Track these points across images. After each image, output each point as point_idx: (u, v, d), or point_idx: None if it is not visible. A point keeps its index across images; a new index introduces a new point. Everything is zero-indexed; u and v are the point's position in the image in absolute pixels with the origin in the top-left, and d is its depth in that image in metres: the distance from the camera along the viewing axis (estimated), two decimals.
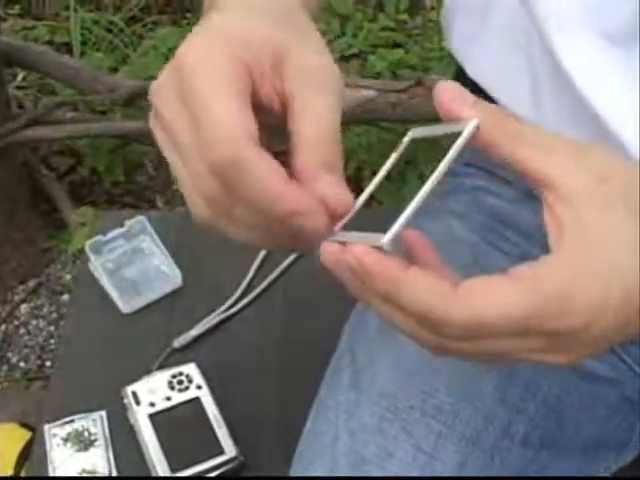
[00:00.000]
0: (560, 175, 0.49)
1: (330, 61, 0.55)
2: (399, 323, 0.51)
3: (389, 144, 2.13)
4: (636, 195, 0.49)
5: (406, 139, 0.55)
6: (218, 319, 1.10)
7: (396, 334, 0.80)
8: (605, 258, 0.48)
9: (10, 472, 1.38)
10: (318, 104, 0.52)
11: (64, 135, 2.13)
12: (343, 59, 2.31)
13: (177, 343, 1.07)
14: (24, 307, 2.14)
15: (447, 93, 0.51)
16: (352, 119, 2.00)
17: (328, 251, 0.51)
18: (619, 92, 0.72)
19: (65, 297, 2.14)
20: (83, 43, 2.60)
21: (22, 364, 2.04)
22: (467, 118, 0.50)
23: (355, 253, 0.48)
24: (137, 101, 2.05)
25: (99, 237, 1.15)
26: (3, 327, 2.10)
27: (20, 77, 2.54)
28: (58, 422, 1.03)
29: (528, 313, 0.47)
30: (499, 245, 0.86)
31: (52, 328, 2.10)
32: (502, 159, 0.51)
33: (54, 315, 2.12)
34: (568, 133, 0.78)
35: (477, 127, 0.50)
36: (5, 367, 2.03)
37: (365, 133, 2.15)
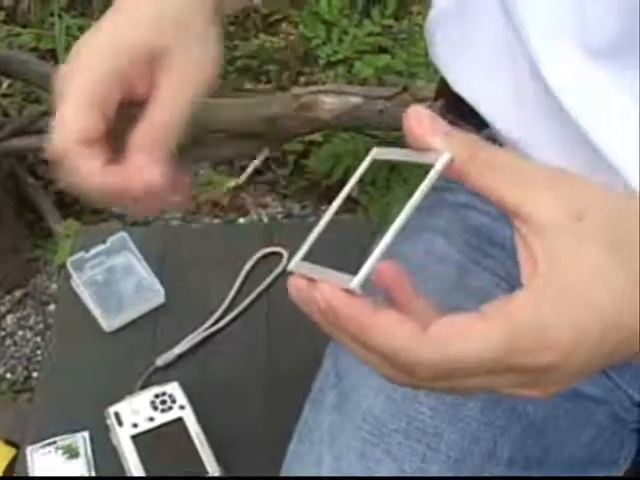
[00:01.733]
0: (535, 209, 0.48)
1: (198, 59, 0.67)
2: (371, 363, 0.50)
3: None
4: (613, 231, 0.48)
5: (368, 159, 0.53)
6: (201, 337, 1.09)
7: None
8: (578, 295, 0.47)
9: None
10: (166, 96, 0.65)
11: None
12: (329, 65, 2.30)
13: (160, 361, 1.06)
14: (10, 318, 2.12)
15: (419, 120, 0.49)
16: (339, 126, 2.00)
17: (296, 287, 0.50)
18: (602, 107, 0.71)
19: (52, 307, 2.13)
20: (68, 49, 2.58)
21: (9, 375, 2.02)
22: (438, 150, 0.49)
23: (324, 294, 0.47)
24: None
25: (81, 254, 1.14)
26: None
27: (5, 85, 2.53)
28: (40, 443, 1.02)
29: (498, 353, 0.46)
30: (484, 263, 0.85)
31: (39, 339, 2.08)
32: (474, 189, 0.50)
33: (40, 326, 2.11)
34: (552, 147, 0.78)
35: (450, 161, 0.48)
36: None
37: (352, 139, 2.14)
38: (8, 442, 1.46)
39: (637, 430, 0.84)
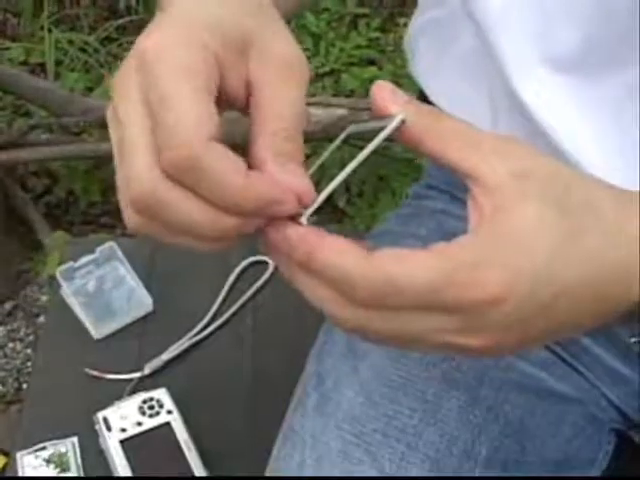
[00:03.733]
0: (484, 169, 0.51)
1: (298, 50, 0.55)
2: (319, 295, 0.51)
3: (360, 162, 2.14)
4: (555, 190, 0.51)
5: (343, 134, 0.57)
6: (188, 344, 1.11)
7: (362, 358, 0.82)
8: (515, 241, 0.49)
9: None
10: (283, 96, 0.53)
11: (39, 157, 2.14)
12: (317, 77, 2.33)
13: (148, 368, 1.08)
14: (0, 330, 2.13)
15: (381, 92, 0.53)
16: (325, 137, 2.02)
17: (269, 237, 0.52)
18: (572, 120, 0.73)
19: (42, 319, 2.14)
20: (58, 63, 2.60)
21: None
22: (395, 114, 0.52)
23: (277, 226, 0.51)
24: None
25: (70, 264, 1.16)
26: None
27: None
28: (30, 449, 1.03)
29: (433, 281, 0.48)
30: None
31: (29, 351, 2.10)
32: (430, 154, 0.53)
33: (31, 337, 2.12)
34: None
35: (402, 121, 0.52)
36: None
37: (338, 150, 2.16)
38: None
39: (614, 430, 0.86)
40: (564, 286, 0.50)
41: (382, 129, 0.52)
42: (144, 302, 1.14)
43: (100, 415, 1.02)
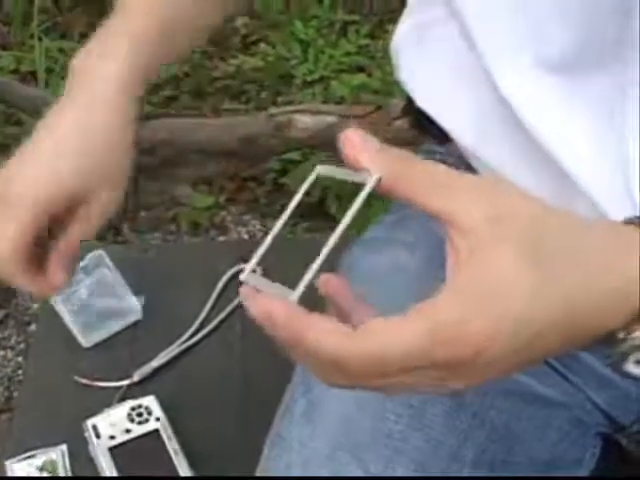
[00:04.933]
0: (459, 212, 0.51)
1: (115, 197, 0.82)
2: (309, 365, 0.53)
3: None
4: (530, 234, 0.51)
5: (312, 176, 0.56)
6: (177, 351, 1.11)
7: None
8: (493, 291, 0.50)
9: None
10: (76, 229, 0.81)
11: None
12: (306, 84, 2.34)
13: (137, 375, 1.08)
14: None
15: (351, 141, 0.53)
16: (314, 144, 2.03)
17: (244, 295, 0.54)
18: (561, 122, 0.74)
19: (33, 327, 2.14)
20: (49, 72, 2.60)
21: None
22: (370, 169, 0.51)
23: (263, 303, 0.51)
24: None
25: None
26: None
27: None
28: (19, 457, 1.03)
29: (421, 343, 0.49)
30: (442, 276, 0.87)
31: (20, 359, 2.10)
32: (404, 201, 0.53)
33: (22, 346, 2.12)
34: (512, 162, 0.80)
35: (378, 180, 0.51)
36: None
37: (328, 159, 2.17)
38: None
39: (601, 434, 0.86)
40: (544, 326, 0.51)
41: (354, 182, 0.52)
42: (133, 309, 1.15)
43: (89, 422, 1.02)
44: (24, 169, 0.79)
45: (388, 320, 0.50)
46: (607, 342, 0.56)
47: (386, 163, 0.52)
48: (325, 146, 2.06)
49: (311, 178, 0.56)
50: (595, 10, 0.68)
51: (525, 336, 0.51)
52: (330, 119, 1.97)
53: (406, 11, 0.92)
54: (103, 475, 0.98)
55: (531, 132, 0.75)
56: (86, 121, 0.81)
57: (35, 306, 2.18)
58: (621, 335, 0.55)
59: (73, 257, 0.83)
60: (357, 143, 0.52)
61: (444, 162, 0.94)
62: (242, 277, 0.56)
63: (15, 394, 2.02)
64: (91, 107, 0.81)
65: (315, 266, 0.51)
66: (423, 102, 0.88)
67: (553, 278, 0.51)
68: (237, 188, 2.35)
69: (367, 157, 0.52)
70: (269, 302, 0.51)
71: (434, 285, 0.76)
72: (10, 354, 2.11)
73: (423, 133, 0.97)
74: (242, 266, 1.20)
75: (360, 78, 2.27)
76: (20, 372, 2.07)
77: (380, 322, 0.50)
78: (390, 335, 0.49)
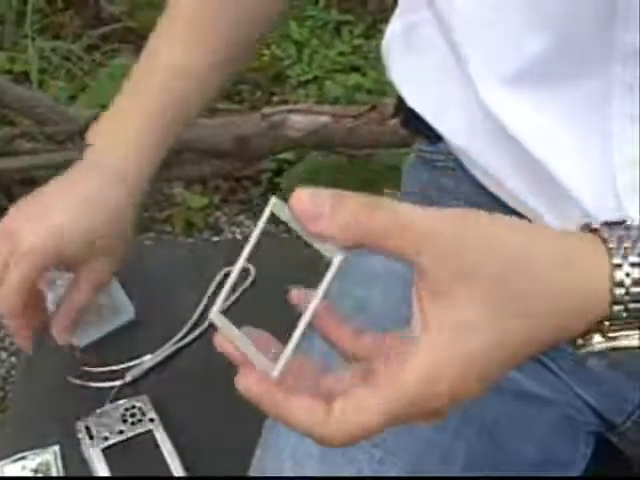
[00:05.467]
0: (425, 269, 0.52)
1: (108, 266, 0.98)
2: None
3: (345, 169, 2.15)
4: (497, 293, 0.52)
5: (267, 210, 0.54)
6: (170, 351, 1.11)
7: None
8: (456, 344, 0.52)
9: None
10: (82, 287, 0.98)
11: (23, 166, 2.14)
12: (300, 84, 2.34)
13: (130, 376, 1.08)
14: None
15: (302, 205, 0.51)
16: (308, 144, 2.03)
17: (222, 348, 0.58)
18: (544, 128, 0.74)
19: None
20: (42, 72, 2.60)
21: None
22: (332, 245, 0.51)
23: (248, 382, 0.55)
24: None
25: (52, 272, 1.16)
26: None
27: None
28: (10, 459, 1.03)
29: (395, 413, 0.53)
30: None
31: (14, 359, 2.09)
32: (369, 250, 0.53)
33: (15, 346, 2.11)
34: (500, 163, 0.80)
35: (344, 260, 0.50)
36: None
37: (323, 158, 2.17)
38: None
39: (593, 433, 0.86)
40: (513, 355, 0.54)
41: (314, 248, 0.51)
42: (125, 310, 1.14)
43: (82, 424, 1.02)
44: (34, 225, 0.91)
45: (356, 398, 0.52)
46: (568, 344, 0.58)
47: (344, 228, 0.50)
48: (320, 146, 2.06)
49: (267, 212, 0.54)
50: (574, 18, 0.68)
51: (494, 368, 0.54)
52: (324, 119, 1.97)
53: (396, 12, 0.92)
54: (96, 475, 0.98)
55: (515, 138, 0.75)
56: (97, 194, 0.93)
57: None
58: (580, 342, 0.57)
59: (73, 320, 0.98)
60: (308, 209, 0.50)
61: (435, 161, 0.95)
62: (211, 316, 0.58)
63: (10, 395, 2.02)
64: (103, 180, 0.93)
65: (294, 340, 0.53)
66: (413, 102, 0.89)
67: (516, 314, 0.53)
68: (231, 188, 2.35)
69: (324, 226, 0.50)
70: (249, 377, 0.55)
71: None
72: (4, 354, 2.11)
73: (414, 133, 0.97)
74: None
75: (354, 78, 2.27)
76: (14, 372, 2.06)
77: (353, 400, 0.52)
78: (363, 415, 0.52)
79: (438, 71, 0.85)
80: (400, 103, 0.93)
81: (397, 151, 2.17)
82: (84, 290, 0.97)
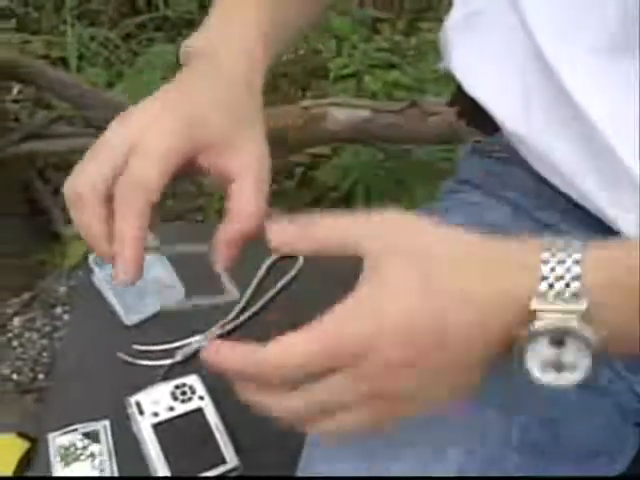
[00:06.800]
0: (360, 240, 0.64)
1: (262, 149, 0.76)
2: (258, 400, 0.70)
3: (382, 163, 2.16)
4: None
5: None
6: (219, 332, 1.11)
7: None
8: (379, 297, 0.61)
9: None
10: (246, 189, 0.74)
11: (61, 149, 2.14)
12: (339, 79, 2.34)
13: (180, 355, 1.09)
14: (17, 320, 2.14)
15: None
16: (347, 138, 2.03)
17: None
18: (617, 105, 0.74)
19: (59, 310, 2.15)
20: (79, 58, 2.61)
21: (15, 376, 2.04)
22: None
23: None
24: None
25: None
26: None
27: (15, 91, 2.55)
28: (60, 431, 1.04)
29: (318, 338, 0.62)
30: None
31: (45, 341, 2.10)
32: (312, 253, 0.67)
33: (47, 328, 2.13)
34: (561, 147, 0.80)
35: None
36: None
37: (359, 152, 2.17)
38: (21, 434, 1.47)
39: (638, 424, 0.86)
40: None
41: None
42: (175, 289, 1.15)
43: (132, 399, 1.02)
44: (161, 119, 0.74)
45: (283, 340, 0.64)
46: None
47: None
48: (358, 140, 2.06)
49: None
50: None
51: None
52: (365, 113, 1.97)
53: (456, 3, 0.93)
54: (147, 451, 0.99)
55: (582, 117, 0.75)
56: (219, 88, 0.78)
57: (62, 289, 2.18)
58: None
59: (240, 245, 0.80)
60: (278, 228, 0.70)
61: (491, 152, 0.95)
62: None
63: (40, 376, 2.03)
64: (222, 78, 0.79)
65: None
66: (471, 88, 0.89)
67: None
68: None
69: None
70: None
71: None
72: (35, 336, 2.12)
73: (470, 123, 0.98)
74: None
75: (393, 74, 2.27)
76: (45, 354, 2.08)
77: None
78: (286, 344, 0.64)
79: (498, 54, 0.85)
80: (457, 94, 0.94)
81: (433, 148, 2.18)
82: (252, 196, 0.76)
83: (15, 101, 2.51)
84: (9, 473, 1.36)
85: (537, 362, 0.61)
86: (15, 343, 2.11)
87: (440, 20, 0.94)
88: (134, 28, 2.78)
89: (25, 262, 2.19)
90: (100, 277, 1.16)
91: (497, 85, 0.86)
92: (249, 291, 1.15)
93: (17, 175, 2.21)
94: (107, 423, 1.04)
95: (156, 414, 1.01)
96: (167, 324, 1.13)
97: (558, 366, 0.62)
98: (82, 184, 0.72)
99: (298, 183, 2.33)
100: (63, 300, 2.17)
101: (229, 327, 1.12)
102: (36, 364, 2.06)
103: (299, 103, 2.03)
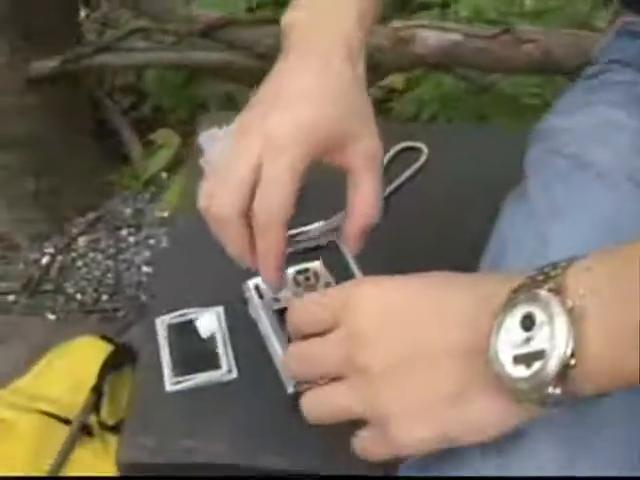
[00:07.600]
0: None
1: (379, 144, 0.78)
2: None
3: (458, 98, 2.07)
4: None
5: None
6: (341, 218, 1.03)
7: None
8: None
9: (92, 383, 1.32)
10: (367, 183, 0.77)
11: (134, 63, 2.07)
12: (423, 6, 2.25)
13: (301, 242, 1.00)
14: (82, 240, 2.08)
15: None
16: (435, 63, 1.94)
17: None
18: None
19: (124, 232, 2.09)
20: None
21: (79, 296, 1.98)
22: None
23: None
24: (212, 34, 1.97)
25: (214, 130, 1.08)
26: (60, 258, 2.05)
27: (83, 14, 2.49)
28: (170, 314, 0.97)
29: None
30: None
31: (109, 262, 2.04)
32: None
33: (112, 250, 2.07)
34: None
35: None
36: (62, 298, 1.97)
37: (440, 83, 2.09)
38: (103, 337, 1.42)
39: None
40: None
41: None
42: None
43: (251, 283, 0.94)
44: (288, 112, 0.75)
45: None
46: None
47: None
48: (447, 65, 1.98)
49: None
50: None
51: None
52: (456, 37, 1.87)
53: None
54: (267, 335, 0.90)
55: None
56: (333, 85, 0.78)
57: (128, 211, 2.12)
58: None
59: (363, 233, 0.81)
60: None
61: None
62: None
63: (104, 297, 1.97)
64: (333, 74, 0.78)
65: None
66: None
67: None
68: None
69: None
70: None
71: None
72: (100, 256, 2.05)
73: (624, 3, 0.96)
74: (408, 144, 1.12)
75: (478, 4, 2.17)
76: (109, 275, 2.02)
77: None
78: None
79: None
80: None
81: (521, 81, 2.09)
82: (372, 192, 0.79)
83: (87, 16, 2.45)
84: (94, 373, 1.30)
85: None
86: (80, 263, 2.05)
87: None
88: None
89: (92, 182, 2.12)
90: (209, 159, 1.07)
91: None
92: None
93: (86, 94, 2.14)
94: (221, 310, 0.97)
95: (277, 300, 0.93)
96: None
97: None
98: (221, 206, 0.76)
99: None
100: (129, 222, 2.10)
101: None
102: (100, 285, 2.00)
103: (390, 24, 1.93)
